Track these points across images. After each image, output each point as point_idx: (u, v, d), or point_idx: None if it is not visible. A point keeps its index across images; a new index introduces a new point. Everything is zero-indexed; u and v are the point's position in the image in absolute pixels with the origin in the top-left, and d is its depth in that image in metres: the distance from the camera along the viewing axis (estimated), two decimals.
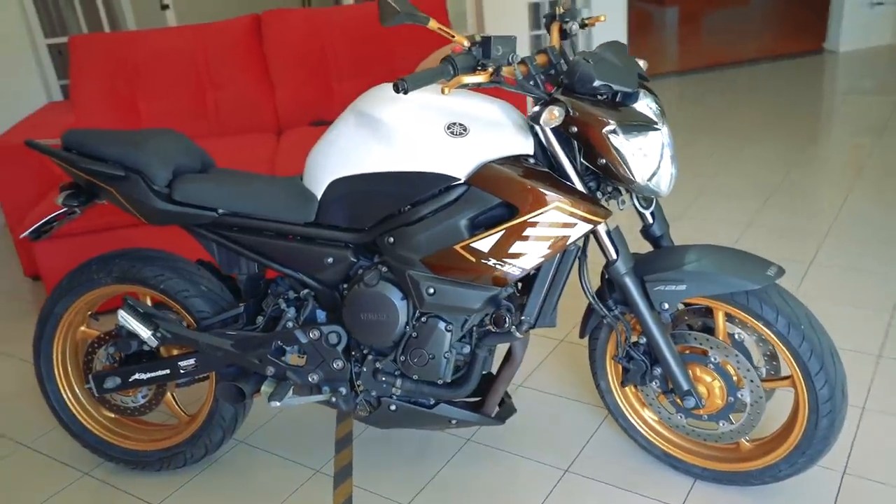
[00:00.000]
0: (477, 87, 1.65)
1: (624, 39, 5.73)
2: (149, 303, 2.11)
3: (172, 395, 2.19)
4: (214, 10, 5.90)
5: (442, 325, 1.82)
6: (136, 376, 2.05)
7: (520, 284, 1.91)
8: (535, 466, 2.12)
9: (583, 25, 1.92)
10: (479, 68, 1.61)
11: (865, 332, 2.55)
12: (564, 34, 1.89)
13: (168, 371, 2.04)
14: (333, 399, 1.95)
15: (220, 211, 1.91)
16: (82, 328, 2.19)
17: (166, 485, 2.19)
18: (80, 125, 3.82)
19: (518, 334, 1.80)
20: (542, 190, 1.64)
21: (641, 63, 1.84)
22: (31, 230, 2.05)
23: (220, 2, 5.95)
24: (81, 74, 3.89)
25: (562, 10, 1.90)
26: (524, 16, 5.15)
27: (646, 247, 1.87)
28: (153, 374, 2.04)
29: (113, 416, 2.23)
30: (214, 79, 3.99)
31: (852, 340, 2.51)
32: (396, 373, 1.91)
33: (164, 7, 4.75)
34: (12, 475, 2.31)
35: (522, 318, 1.80)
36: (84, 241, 3.19)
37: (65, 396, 2.19)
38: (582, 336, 1.98)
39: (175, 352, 2.09)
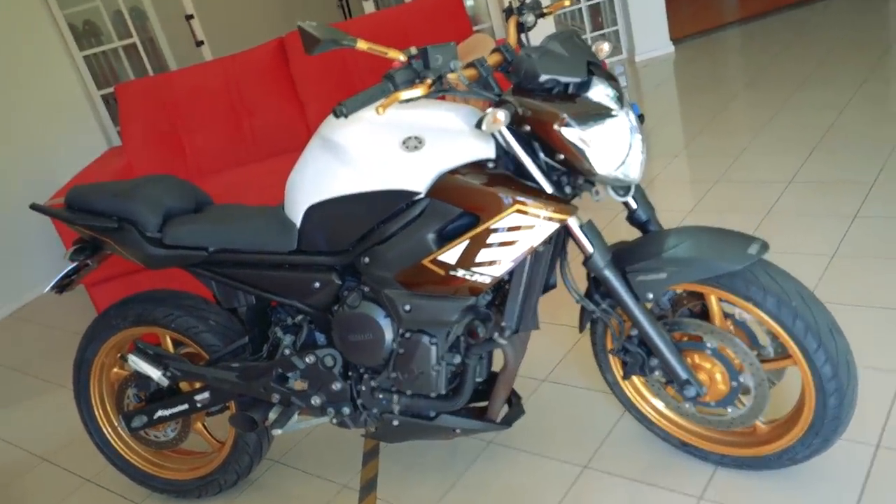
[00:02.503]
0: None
1: (662, 4, 5.43)
2: (168, 342, 2.16)
3: (203, 424, 2.25)
4: (247, 38, 6.00)
5: (426, 339, 1.77)
6: (160, 413, 2.11)
7: (506, 285, 1.84)
8: (554, 465, 2.05)
9: (540, 15, 1.83)
10: (418, 81, 1.55)
11: None
12: (521, 27, 1.81)
13: (187, 406, 2.09)
14: (336, 420, 1.95)
15: (210, 249, 1.93)
16: (115, 369, 2.28)
17: None
18: (130, 167, 3.97)
19: (501, 340, 1.74)
20: (499, 195, 1.57)
21: (605, 47, 1.73)
22: (52, 284, 2.13)
23: (253, 28, 6.05)
24: (129, 118, 4.05)
25: (518, 3, 1.82)
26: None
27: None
28: (174, 410, 2.10)
29: (151, 449, 2.31)
30: (248, 105, 4.06)
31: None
32: (392, 389, 1.88)
33: (199, 44, 4.87)
34: None
35: (503, 323, 1.73)
36: (138, 277, 3.33)
37: (107, 435, 2.29)
38: (580, 331, 1.89)
39: (197, 385, 2.14)
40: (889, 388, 1.97)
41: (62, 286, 2.13)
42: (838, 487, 1.73)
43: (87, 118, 4.75)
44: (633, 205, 1.79)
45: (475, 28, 4.69)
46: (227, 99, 4.06)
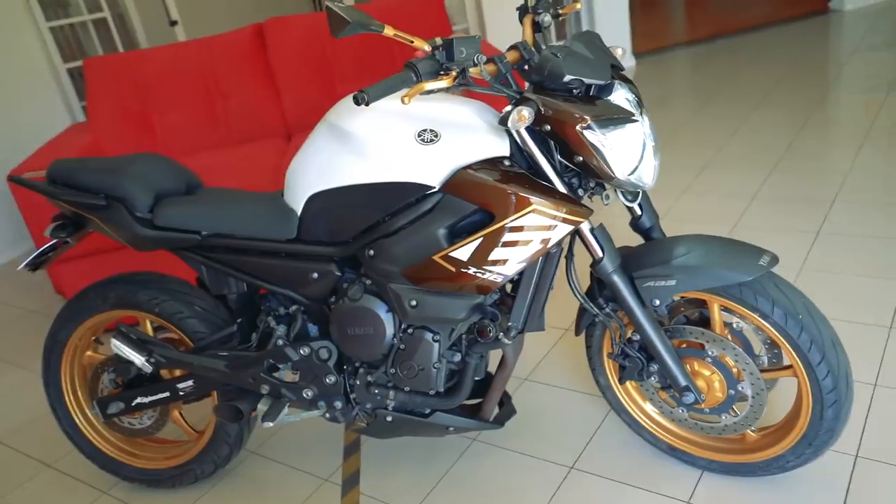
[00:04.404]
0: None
1: (625, 14, 5.48)
2: (149, 326, 2.02)
3: (180, 413, 2.11)
4: (221, 22, 5.79)
5: (429, 335, 1.69)
6: (139, 400, 1.97)
7: (509, 285, 1.77)
8: (540, 465, 1.99)
9: (556, 16, 1.76)
10: (443, 73, 1.46)
11: (877, 303, 2.36)
12: (537, 27, 1.73)
13: (168, 394, 1.95)
14: (328, 414, 1.85)
15: (203, 233, 1.80)
16: (88, 353, 2.11)
17: (180, 501, 2.11)
18: (97, 144, 3.76)
19: (506, 340, 1.67)
20: (518, 193, 1.49)
21: (619, 51, 1.68)
22: (27, 262, 1.97)
23: (227, 14, 5.83)
24: (96, 94, 3.83)
25: (534, 2, 1.75)
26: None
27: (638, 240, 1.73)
28: (154, 398, 1.96)
29: (123, 436, 2.16)
30: (223, 89, 3.90)
31: (862, 312, 2.32)
32: (389, 385, 1.79)
33: (173, 23, 4.65)
34: (38, 496, 2.26)
35: (510, 323, 1.66)
36: (106, 258, 3.14)
37: (76, 420, 2.12)
38: (577, 334, 1.83)
39: (178, 373, 2.01)
40: (863, 399, 1.98)
41: (37, 264, 1.97)
42: (823, 495, 1.72)
43: (50, 91, 4.48)
44: (638, 211, 1.75)
45: (453, 28, 4.61)
46: (201, 81, 3.89)
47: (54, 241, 1.92)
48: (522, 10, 1.76)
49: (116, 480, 2.24)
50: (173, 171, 1.92)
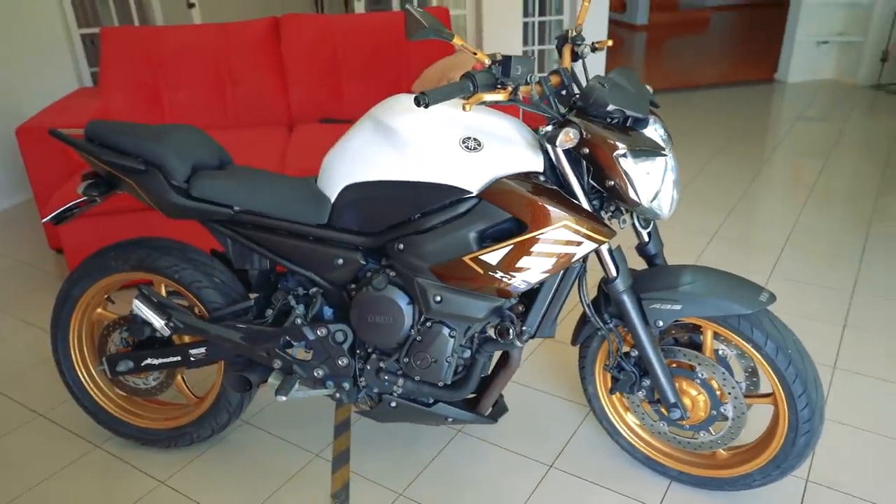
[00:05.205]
0: (494, 105, 1.45)
1: (603, 62, 5.53)
2: (163, 291, 1.90)
3: (182, 378, 1.99)
4: (236, 11, 5.59)
5: (446, 330, 1.63)
6: (148, 361, 1.85)
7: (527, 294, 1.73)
8: (521, 461, 1.95)
9: (594, 49, 1.73)
10: (499, 86, 1.41)
11: (821, 344, 2.41)
12: (575, 56, 1.70)
13: (179, 358, 1.83)
14: (337, 394, 1.77)
15: (236, 208, 1.70)
16: (99, 310, 1.98)
17: (173, 462, 1.99)
18: (106, 110, 3.57)
19: (518, 343, 1.62)
20: (551, 208, 1.45)
21: (649, 88, 1.66)
22: (53, 215, 1.82)
23: (242, 3, 5.64)
24: (110, 63, 3.63)
25: (574, 34, 1.71)
26: (519, 31, 4.91)
27: (639, 262, 1.70)
28: (164, 360, 1.84)
29: (124, 395, 2.02)
30: (234, 74, 3.75)
31: (810, 351, 2.37)
32: (399, 372, 1.73)
33: (191, 5, 4.46)
34: (27, 444, 2.10)
35: (523, 328, 1.62)
36: (108, 220, 2.96)
37: (80, 374, 1.98)
38: (574, 344, 1.80)
39: (186, 339, 1.89)
40: None
41: (62, 218, 1.83)
42: None
43: (63, 54, 4.23)
44: (647, 237, 1.73)
45: (452, 13, 4.56)
46: (214, 65, 3.73)
47: (83, 198, 1.79)
48: (561, 40, 1.72)
49: (109, 435, 2.10)
50: (209, 145, 1.81)
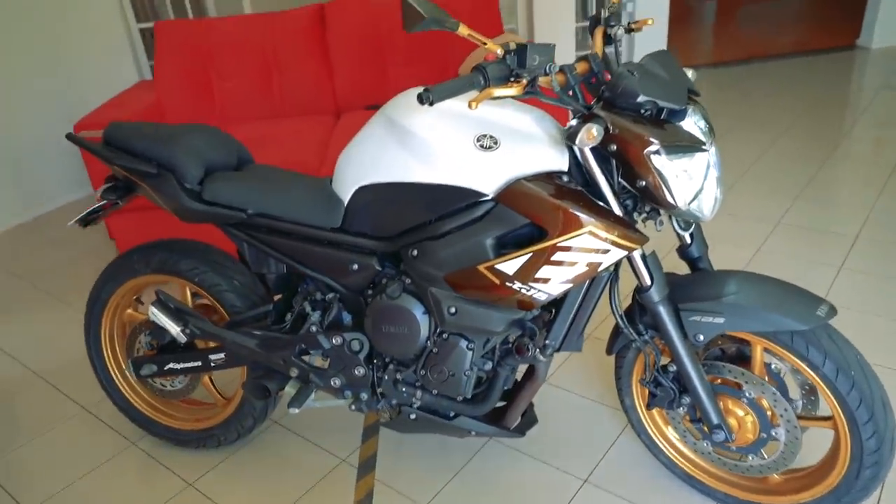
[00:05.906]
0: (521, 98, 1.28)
1: (664, 33, 5.16)
2: (188, 293, 1.84)
3: (210, 378, 1.95)
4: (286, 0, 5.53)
5: (463, 343, 1.50)
6: (171, 366, 1.80)
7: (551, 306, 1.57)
8: (554, 474, 1.80)
9: (629, 30, 1.52)
10: (513, 79, 1.24)
11: (892, 353, 2.12)
12: (609, 39, 1.50)
13: (200, 363, 1.78)
14: (353, 405, 1.67)
15: (249, 211, 1.61)
16: (129, 311, 1.95)
17: (203, 463, 1.95)
18: (160, 102, 3.57)
19: (542, 358, 1.47)
20: (574, 212, 1.28)
21: (690, 74, 1.44)
22: (78, 219, 1.79)
23: None
24: (164, 56, 3.63)
25: (607, 14, 1.51)
26: (572, 6, 4.61)
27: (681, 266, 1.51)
28: (186, 365, 1.79)
29: (155, 395, 1.99)
30: (280, 63, 3.68)
31: (881, 354, 2.10)
32: (417, 384, 1.61)
33: None
34: (72, 438, 2.12)
35: (547, 341, 1.46)
36: (156, 213, 2.97)
37: (112, 374, 1.97)
38: (609, 354, 1.63)
39: (210, 343, 1.83)
40: None
41: (87, 221, 1.79)
42: None
43: (122, 48, 4.28)
44: (688, 239, 1.53)
45: (504, 27, 4.33)
46: (261, 54, 3.68)
47: (104, 201, 1.74)
48: (594, 22, 1.52)
49: (144, 433, 2.09)
50: (226, 144, 1.73)
